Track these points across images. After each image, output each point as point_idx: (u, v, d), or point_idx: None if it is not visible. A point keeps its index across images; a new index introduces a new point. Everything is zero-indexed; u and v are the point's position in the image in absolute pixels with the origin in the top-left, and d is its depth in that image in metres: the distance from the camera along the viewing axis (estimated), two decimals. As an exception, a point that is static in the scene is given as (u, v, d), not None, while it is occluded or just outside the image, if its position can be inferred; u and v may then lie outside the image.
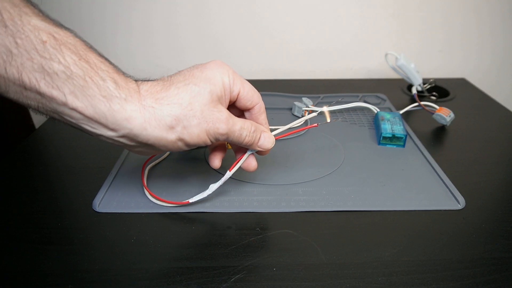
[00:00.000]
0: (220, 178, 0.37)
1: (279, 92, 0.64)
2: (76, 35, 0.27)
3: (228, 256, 0.33)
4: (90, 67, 0.26)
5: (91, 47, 0.28)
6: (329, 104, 0.59)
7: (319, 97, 0.63)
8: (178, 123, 0.29)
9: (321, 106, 0.58)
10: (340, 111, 0.59)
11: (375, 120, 0.54)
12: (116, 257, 0.33)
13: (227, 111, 0.31)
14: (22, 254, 0.33)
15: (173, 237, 0.35)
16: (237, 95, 0.33)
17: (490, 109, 0.62)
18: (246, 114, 0.35)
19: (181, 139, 0.29)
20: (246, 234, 0.35)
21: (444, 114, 0.54)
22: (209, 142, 0.31)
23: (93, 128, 0.28)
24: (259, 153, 0.36)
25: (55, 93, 0.25)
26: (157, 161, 0.45)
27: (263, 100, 0.35)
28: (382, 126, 0.50)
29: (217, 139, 0.31)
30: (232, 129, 0.31)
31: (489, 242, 0.35)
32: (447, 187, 0.42)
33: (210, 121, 0.30)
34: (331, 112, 0.59)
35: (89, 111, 0.26)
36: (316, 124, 0.37)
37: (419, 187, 0.42)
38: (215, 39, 0.72)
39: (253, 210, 0.38)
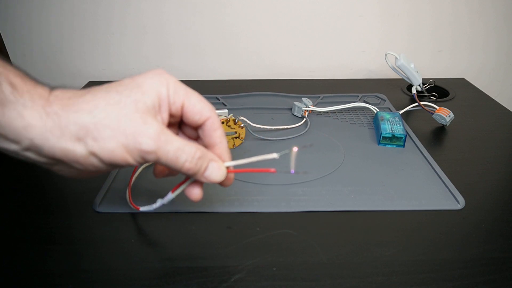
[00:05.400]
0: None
1: (279, 92, 0.64)
2: None
3: (228, 256, 0.33)
4: None
5: None
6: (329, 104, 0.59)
7: (319, 97, 0.63)
8: (87, 133, 0.24)
9: (321, 107, 0.58)
10: (340, 111, 0.59)
11: (375, 120, 0.54)
12: (116, 257, 0.33)
13: (161, 126, 0.25)
14: (22, 254, 0.33)
15: (173, 237, 0.35)
16: (181, 108, 0.27)
17: (490, 109, 0.62)
18: (200, 132, 0.29)
19: (93, 154, 0.24)
20: (246, 234, 0.35)
21: (444, 114, 0.54)
22: (132, 162, 0.25)
23: None
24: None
25: None
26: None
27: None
28: (382, 126, 0.50)
29: (143, 159, 0.25)
30: (163, 148, 0.25)
31: (488, 242, 0.35)
32: (447, 187, 0.42)
33: (129, 134, 0.24)
34: (331, 112, 0.59)
35: None
36: (274, 170, 0.29)
37: (419, 187, 0.42)
38: (214, 40, 0.72)
39: (253, 210, 0.38)
